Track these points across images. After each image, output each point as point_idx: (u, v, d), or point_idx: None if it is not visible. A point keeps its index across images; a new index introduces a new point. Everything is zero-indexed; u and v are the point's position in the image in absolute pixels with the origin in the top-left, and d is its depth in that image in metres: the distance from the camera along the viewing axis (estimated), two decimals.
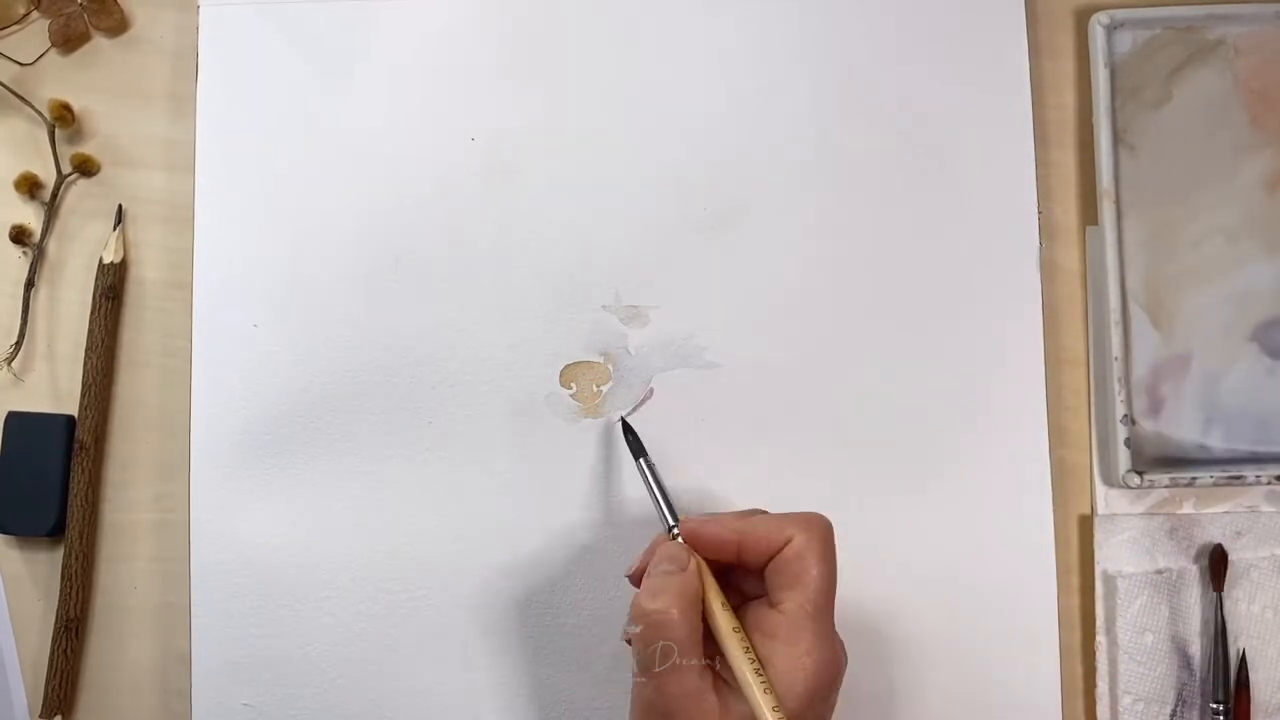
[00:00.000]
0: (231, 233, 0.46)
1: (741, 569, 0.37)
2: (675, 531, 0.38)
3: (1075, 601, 0.45)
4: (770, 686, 0.33)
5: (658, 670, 0.34)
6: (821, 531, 0.36)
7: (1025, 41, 0.46)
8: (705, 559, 0.37)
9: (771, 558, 0.36)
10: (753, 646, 0.35)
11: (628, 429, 0.44)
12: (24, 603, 0.47)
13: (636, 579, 0.38)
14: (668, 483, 0.41)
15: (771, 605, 0.36)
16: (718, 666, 0.35)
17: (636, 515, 0.45)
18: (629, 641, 0.36)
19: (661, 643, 0.35)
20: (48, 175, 0.48)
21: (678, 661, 0.34)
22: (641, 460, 0.42)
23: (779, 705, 0.33)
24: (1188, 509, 0.45)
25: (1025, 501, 0.44)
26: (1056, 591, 0.44)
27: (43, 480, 0.46)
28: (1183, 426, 0.45)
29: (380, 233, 0.46)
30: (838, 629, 0.36)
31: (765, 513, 0.38)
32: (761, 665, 0.34)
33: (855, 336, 0.45)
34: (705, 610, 0.36)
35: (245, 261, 0.46)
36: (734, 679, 0.34)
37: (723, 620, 0.35)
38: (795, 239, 0.46)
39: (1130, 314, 0.45)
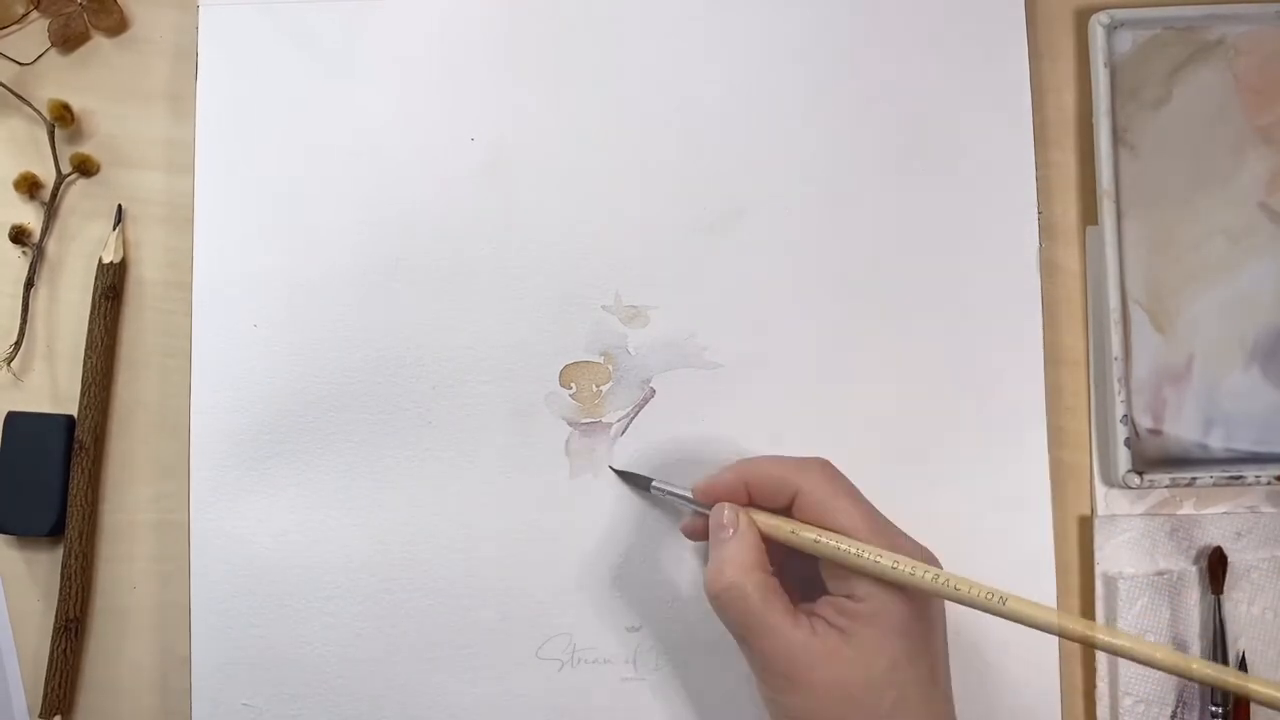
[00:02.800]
0: (231, 233, 0.46)
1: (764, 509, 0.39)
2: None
3: (1075, 602, 0.45)
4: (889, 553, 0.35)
5: (754, 637, 0.36)
6: (820, 475, 0.37)
7: (1025, 41, 0.46)
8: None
9: (787, 507, 0.38)
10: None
11: (620, 475, 0.44)
12: (23, 603, 0.47)
13: (689, 531, 0.42)
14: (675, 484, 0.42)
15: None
16: (816, 610, 0.36)
17: (637, 516, 0.45)
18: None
19: (743, 609, 0.36)
20: (47, 175, 0.48)
21: (766, 621, 0.35)
22: (652, 487, 0.43)
23: (899, 561, 0.35)
24: (1188, 509, 0.45)
25: (1024, 502, 0.44)
26: (1056, 592, 0.44)
27: (42, 480, 0.46)
28: (1183, 427, 0.45)
29: (380, 232, 0.46)
30: None
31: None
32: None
33: (855, 336, 0.45)
34: (784, 541, 0.37)
35: (245, 261, 0.46)
36: (841, 614, 0.36)
37: (805, 533, 0.37)
38: (795, 239, 0.46)
39: (1130, 314, 0.45)
